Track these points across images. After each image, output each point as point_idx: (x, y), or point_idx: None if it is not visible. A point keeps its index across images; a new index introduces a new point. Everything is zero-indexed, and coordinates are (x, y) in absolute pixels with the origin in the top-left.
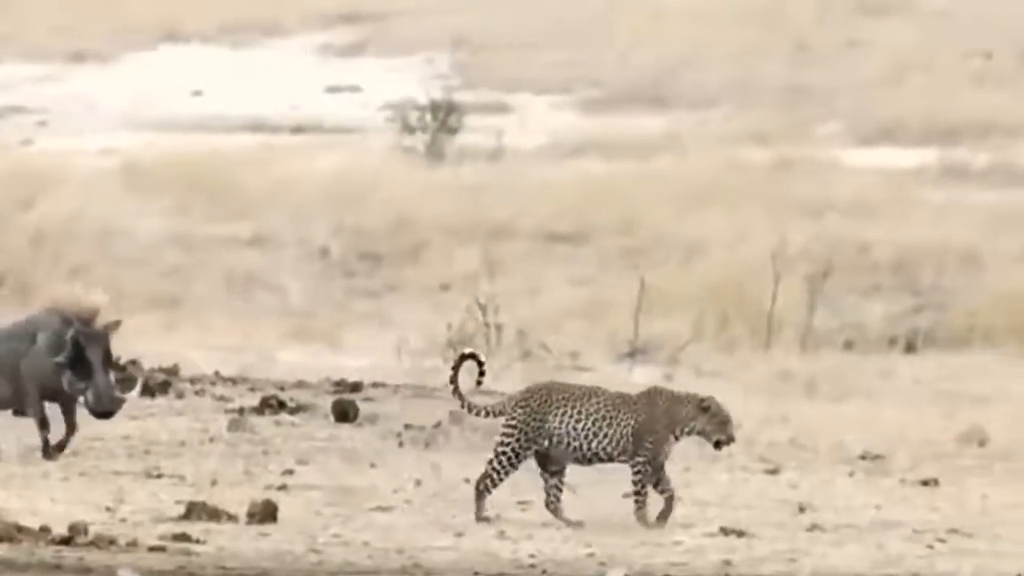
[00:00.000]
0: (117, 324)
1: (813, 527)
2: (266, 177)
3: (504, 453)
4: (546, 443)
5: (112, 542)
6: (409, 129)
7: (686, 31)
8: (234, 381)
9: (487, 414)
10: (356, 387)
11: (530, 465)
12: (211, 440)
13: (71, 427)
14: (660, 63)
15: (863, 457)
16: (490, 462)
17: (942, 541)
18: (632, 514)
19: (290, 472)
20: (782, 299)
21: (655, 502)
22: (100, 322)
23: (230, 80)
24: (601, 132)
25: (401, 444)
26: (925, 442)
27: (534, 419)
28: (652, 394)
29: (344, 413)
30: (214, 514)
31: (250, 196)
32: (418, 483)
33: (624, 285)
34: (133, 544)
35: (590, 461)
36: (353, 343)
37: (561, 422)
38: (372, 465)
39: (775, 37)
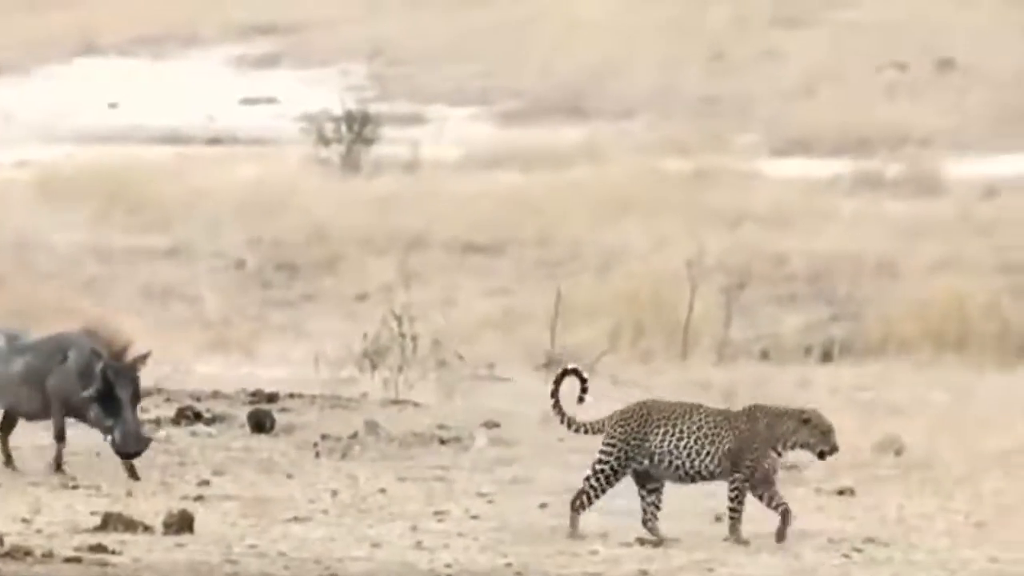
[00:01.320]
0: (146, 358)
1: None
2: (182, 188)
3: (603, 471)
4: (646, 462)
5: (28, 553)
6: (325, 140)
7: (604, 42)
8: (150, 392)
9: (587, 431)
10: (272, 398)
11: (450, 476)
12: None
13: (61, 436)
14: (578, 74)
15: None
16: (587, 479)
17: (858, 551)
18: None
19: (206, 483)
20: (699, 309)
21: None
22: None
23: (146, 92)
24: (518, 143)
25: (318, 455)
26: (841, 451)
27: (634, 438)
28: (752, 411)
29: (260, 424)
30: (130, 525)
31: (166, 208)
32: (335, 494)
33: (541, 295)
34: (49, 555)
35: (692, 480)
36: (269, 354)
37: (662, 441)
38: (288, 476)
39: (692, 48)
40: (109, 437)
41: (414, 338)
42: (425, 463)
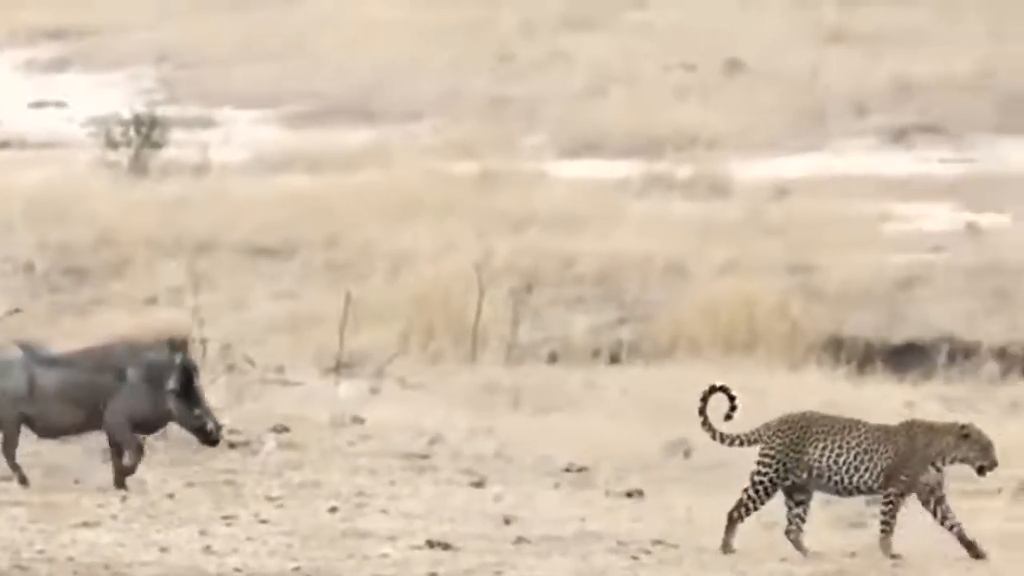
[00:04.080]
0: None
1: (519, 540)
2: None
3: (761, 483)
4: (804, 475)
5: None
6: (113, 144)
7: (392, 44)
8: None
9: (741, 443)
10: None
11: (239, 480)
12: None
13: (140, 449)
14: (366, 77)
15: (568, 469)
16: (746, 491)
17: (647, 552)
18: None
19: None
20: (487, 312)
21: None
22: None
23: None
24: (307, 146)
25: (106, 460)
26: (630, 454)
27: (793, 450)
28: (911, 426)
29: None
30: None
31: None
32: (124, 498)
33: (330, 299)
34: None
35: (851, 494)
36: None
37: (822, 455)
38: (76, 481)
39: (480, 50)
40: (206, 425)
41: (203, 341)
42: (214, 467)
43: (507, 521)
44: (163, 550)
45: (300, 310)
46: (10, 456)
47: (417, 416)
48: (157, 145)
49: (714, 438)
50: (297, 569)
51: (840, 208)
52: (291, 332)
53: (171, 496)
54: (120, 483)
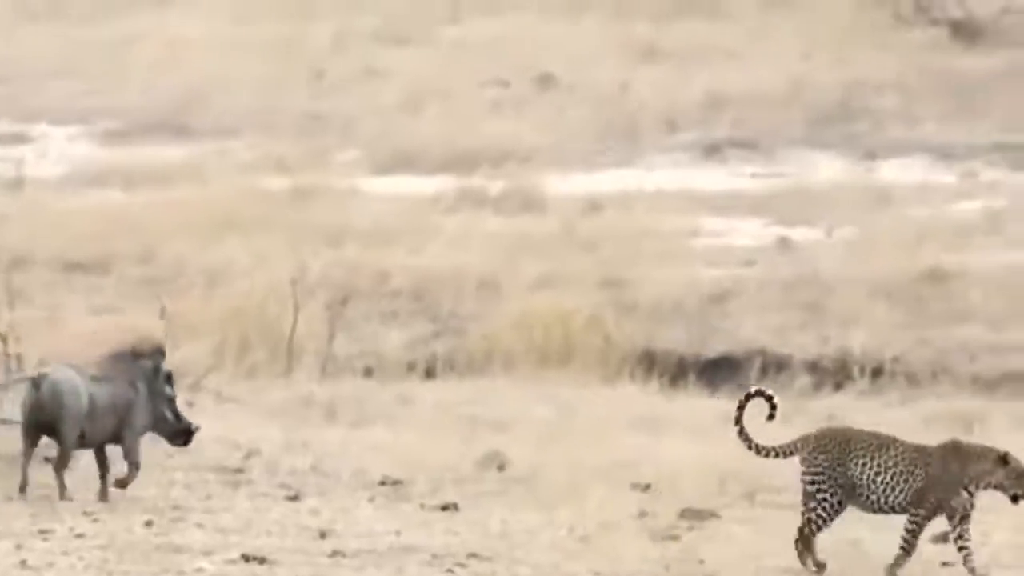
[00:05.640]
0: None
1: (335, 553)
2: None
3: (826, 500)
4: (845, 490)
5: None
6: None
7: (206, 61)
8: None
9: (776, 454)
10: None
11: (55, 494)
12: None
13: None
14: (181, 93)
15: (383, 483)
16: (813, 510)
17: (462, 565)
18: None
19: None
20: (302, 326)
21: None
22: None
23: None
24: (122, 162)
25: None
26: (445, 467)
27: (839, 464)
28: (949, 448)
29: None
30: None
31: None
32: None
33: (146, 313)
34: None
35: (884, 512)
36: None
37: (862, 472)
38: None
39: (294, 66)
40: (191, 426)
41: (19, 357)
42: (31, 481)
43: (323, 535)
44: None
45: (116, 325)
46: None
47: (233, 430)
48: None
49: (749, 448)
50: None
51: (653, 223)
52: (110, 347)
53: None
54: (105, 493)
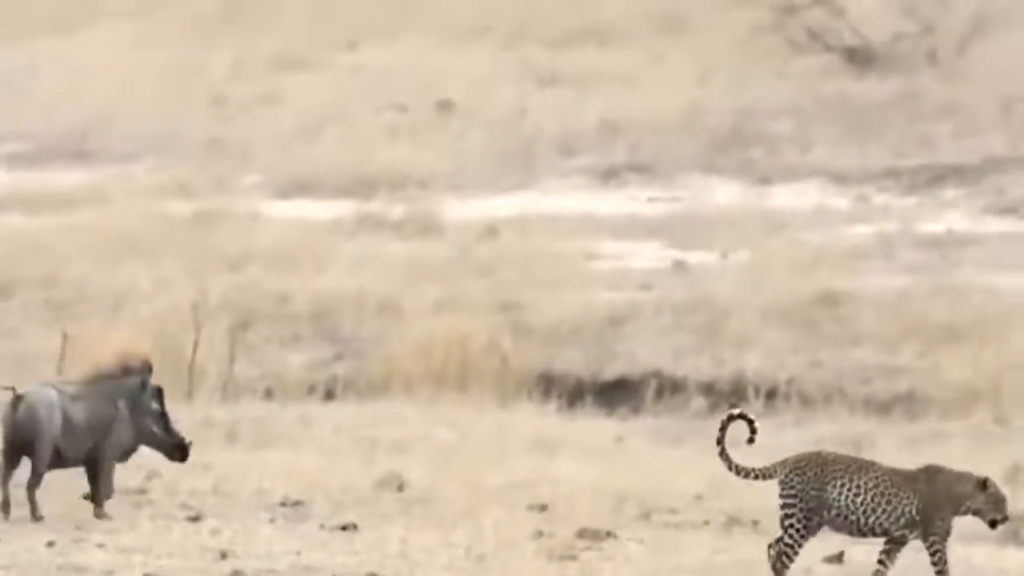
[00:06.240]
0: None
1: (235, 573)
2: None
3: (792, 526)
4: (824, 514)
5: None
6: None
7: (107, 87)
8: None
9: (756, 476)
10: None
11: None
12: None
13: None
14: (83, 118)
15: (284, 504)
16: (780, 539)
17: None
18: None
19: None
20: (204, 349)
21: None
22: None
23: None
24: (24, 186)
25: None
26: (344, 488)
27: (814, 488)
28: (931, 472)
29: None
30: None
31: None
32: None
33: (48, 338)
34: None
35: (864, 535)
36: None
37: (840, 494)
38: None
39: (194, 92)
40: (184, 440)
41: None
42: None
43: (223, 555)
44: None
45: (18, 349)
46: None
47: None
48: None
49: (730, 469)
50: None
51: (550, 246)
52: (9, 371)
53: None
54: (102, 512)
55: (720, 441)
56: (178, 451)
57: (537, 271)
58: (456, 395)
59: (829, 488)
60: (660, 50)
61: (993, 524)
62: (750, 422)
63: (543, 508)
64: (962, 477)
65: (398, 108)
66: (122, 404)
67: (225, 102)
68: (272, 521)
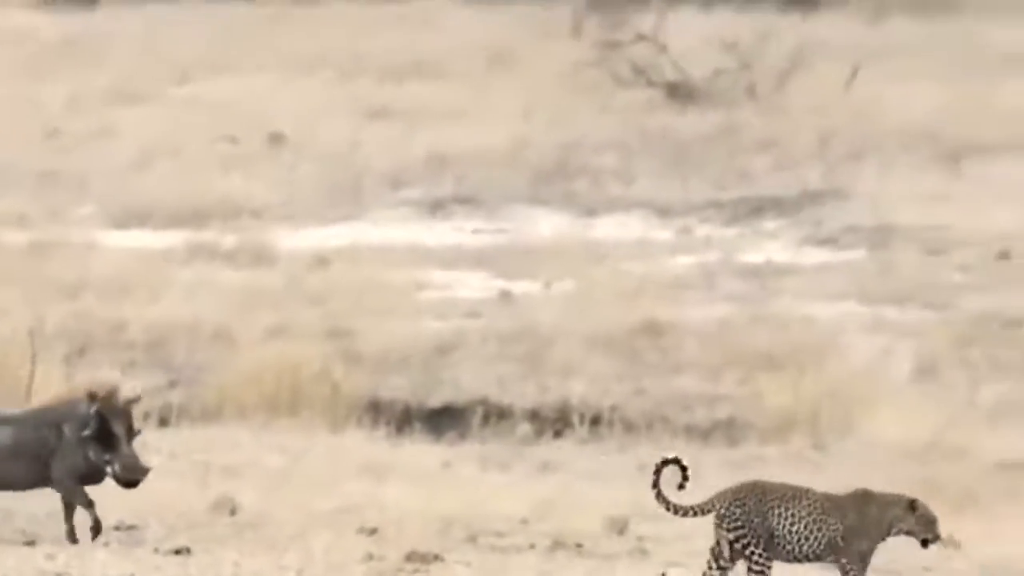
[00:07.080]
0: (138, 399)
1: None
2: None
3: (755, 554)
4: (766, 542)
5: None
6: None
7: None
8: None
9: (695, 513)
10: None
11: None
12: None
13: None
14: None
15: (118, 528)
16: (750, 569)
17: None
18: None
19: None
20: (40, 376)
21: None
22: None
23: None
24: None
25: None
26: (178, 512)
27: (757, 516)
28: (860, 496)
29: None
30: None
31: None
32: None
33: None
34: None
35: (798, 561)
36: None
37: (779, 523)
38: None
39: (28, 125)
40: (110, 469)
41: None
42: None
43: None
44: None
45: None
46: None
47: None
48: None
49: (668, 509)
50: None
51: (379, 276)
52: None
53: None
54: (97, 531)
55: (656, 484)
56: (113, 478)
57: (367, 300)
58: (288, 421)
59: (770, 516)
60: (487, 84)
61: (925, 543)
62: (683, 468)
63: (372, 532)
64: (892, 500)
65: (230, 140)
66: (67, 428)
67: (60, 135)
68: (106, 545)
